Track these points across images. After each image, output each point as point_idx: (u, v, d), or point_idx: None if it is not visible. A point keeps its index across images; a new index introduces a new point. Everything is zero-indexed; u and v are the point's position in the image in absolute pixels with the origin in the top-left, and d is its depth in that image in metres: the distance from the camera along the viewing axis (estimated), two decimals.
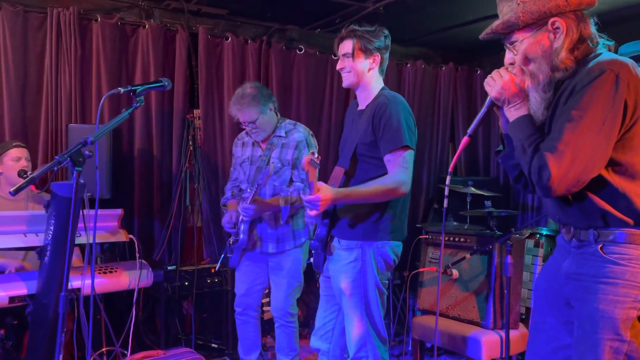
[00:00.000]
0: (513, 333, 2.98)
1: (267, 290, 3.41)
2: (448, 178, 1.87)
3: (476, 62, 5.37)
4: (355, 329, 2.40)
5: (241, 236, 3.08)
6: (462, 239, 3.30)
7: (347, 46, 2.44)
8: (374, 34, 2.42)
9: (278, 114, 3.20)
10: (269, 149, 3.09)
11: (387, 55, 2.49)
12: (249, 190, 3.07)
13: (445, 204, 1.84)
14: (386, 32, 2.48)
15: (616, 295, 1.56)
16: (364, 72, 2.44)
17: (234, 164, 3.35)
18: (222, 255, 3.25)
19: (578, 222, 1.67)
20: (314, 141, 3.19)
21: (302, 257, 3.19)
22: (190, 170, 4.06)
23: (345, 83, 2.50)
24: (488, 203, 3.66)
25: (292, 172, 3.10)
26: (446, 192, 1.84)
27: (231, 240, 3.16)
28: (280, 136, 3.12)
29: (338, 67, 2.49)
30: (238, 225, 3.10)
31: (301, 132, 3.12)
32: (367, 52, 2.42)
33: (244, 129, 3.20)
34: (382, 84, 2.52)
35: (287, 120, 3.22)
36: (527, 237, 3.50)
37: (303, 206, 3.06)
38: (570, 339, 1.70)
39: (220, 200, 4.08)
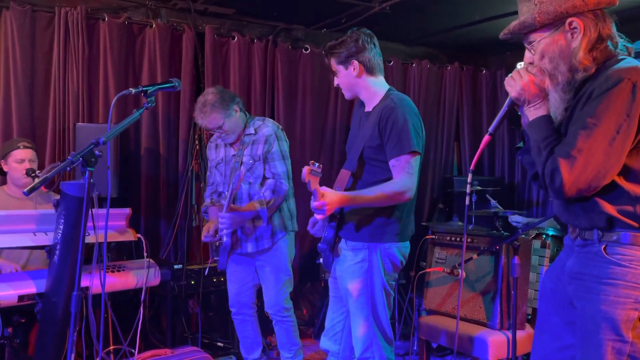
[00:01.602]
0: (520, 333, 2.98)
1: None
2: (470, 176, 1.85)
3: (482, 62, 5.37)
4: (361, 329, 2.40)
5: (224, 239, 3.07)
6: (468, 239, 3.30)
7: (331, 66, 2.49)
8: (340, 45, 2.43)
9: (246, 113, 3.20)
10: (241, 148, 3.10)
11: (368, 54, 2.42)
12: (226, 193, 3.06)
13: (467, 202, 1.82)
14: (354, 34, 2.43)
15: (617, 297, 1.56)
16: (351, 82, 2.46)
17: (209, 168, 3.34)
18: (210, 260, 3.25)
19: (583, 223, 1.67)
20: (283, 135, 3.19)
21: (287, 251, 3.18)
22: (196, 170, 4.07)
23: (346, 97, 2.55)
24: (493, 203, 3.66)
25: (264, 167, 3.10)
26: (468, 190, 1.82)
27: (216, 243, 3.15)
28: (250, 134, 3.13)
29: (335, 85, 2.53)
30: (219, 231, 3.07)
31: (270, 126, 3.13)
32: (344, 63, 2.44)
33: (213, 134, 3.18)
34: (385, 85, 2.49)
35: (257, 117, 3.23)
36: (534, 238, 3.50)
37: (280, 203, 3.09)
38: (574, 339, 1.71)
39: None
